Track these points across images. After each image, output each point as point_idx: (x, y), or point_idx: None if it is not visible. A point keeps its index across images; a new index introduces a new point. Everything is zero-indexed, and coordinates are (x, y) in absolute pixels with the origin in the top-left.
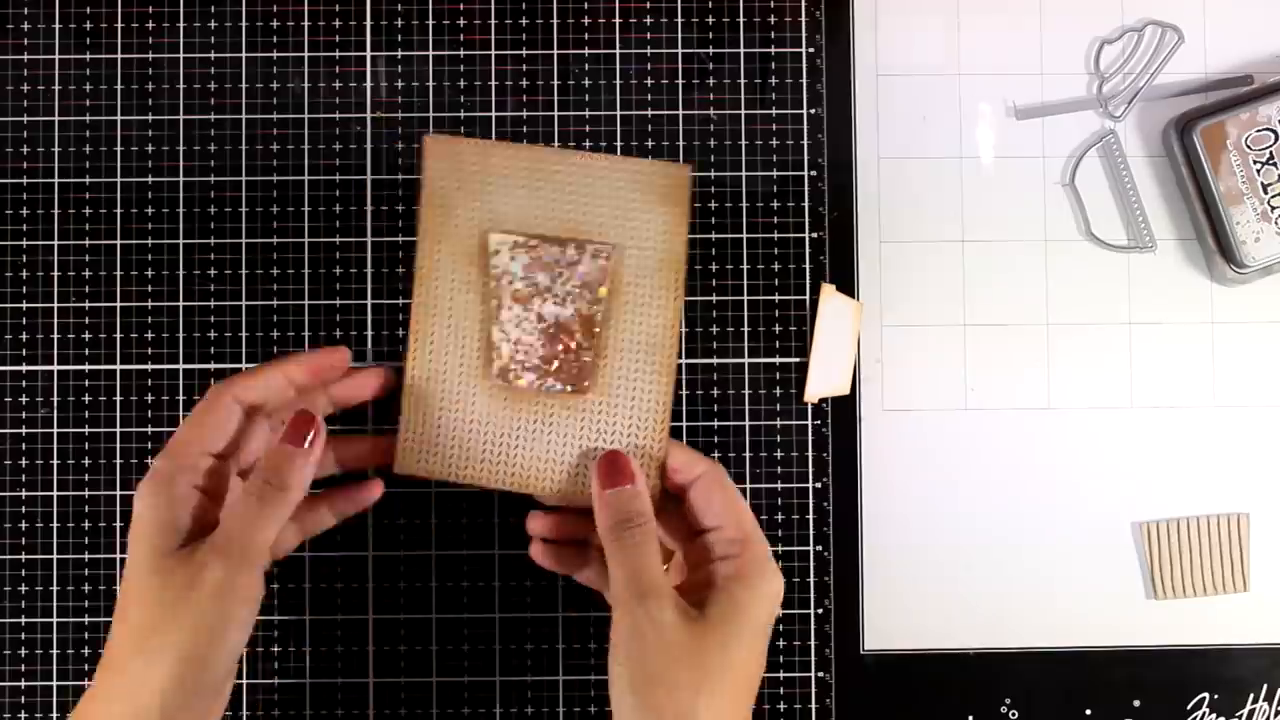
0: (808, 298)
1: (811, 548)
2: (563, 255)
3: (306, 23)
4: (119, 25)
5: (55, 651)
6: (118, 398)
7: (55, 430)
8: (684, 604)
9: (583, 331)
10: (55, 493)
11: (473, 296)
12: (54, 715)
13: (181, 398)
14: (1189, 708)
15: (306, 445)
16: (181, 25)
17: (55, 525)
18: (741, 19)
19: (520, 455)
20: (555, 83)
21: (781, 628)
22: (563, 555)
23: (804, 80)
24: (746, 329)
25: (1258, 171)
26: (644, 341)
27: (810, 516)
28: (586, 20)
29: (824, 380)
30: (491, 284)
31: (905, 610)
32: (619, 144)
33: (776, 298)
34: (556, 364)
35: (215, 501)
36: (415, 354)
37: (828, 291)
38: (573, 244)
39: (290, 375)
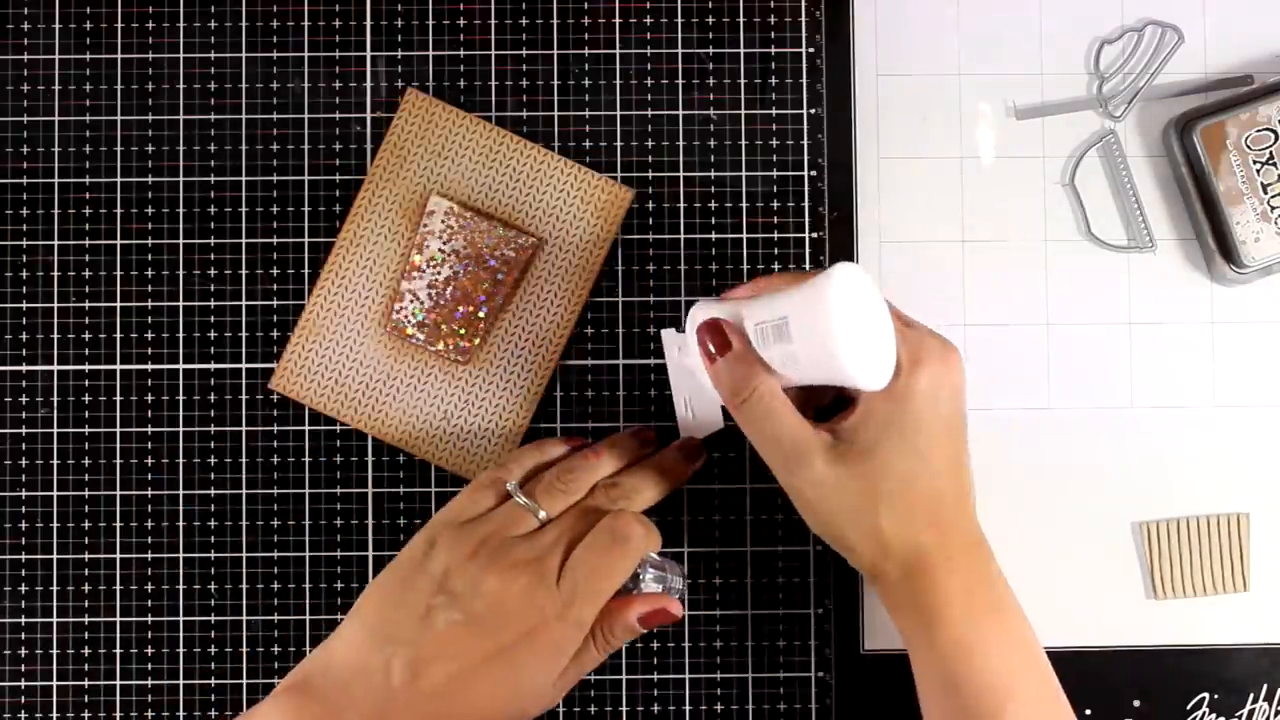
0: None
1: (811, 547)
2: (489, 231)
3: (306, 23)
4: (119, 25)
5: (55, 651)
6: (118, 398)
7: (55, 430)
8: (831, 443)
9: (481, 306)
10: (55, 493)
11: (394, 247)
12: (54, 715)
13: (181, 398)
14: (1189, 708)
15: None
16: (181, 25)
17: (55, 525)
18: (741, 19)
19: (389, 404)
20: (555, 83)
21: (782, 628)
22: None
23: (804, 80)
24: None
25: (1258, 171)
26: (534, 334)
27: None
28: (586, 20)
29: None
30: (416, 240)
31: None
32: (619, 144)
33: None
34: (448, 329)
35: None
36: (324, 286)
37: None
38: (501, 224)
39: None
